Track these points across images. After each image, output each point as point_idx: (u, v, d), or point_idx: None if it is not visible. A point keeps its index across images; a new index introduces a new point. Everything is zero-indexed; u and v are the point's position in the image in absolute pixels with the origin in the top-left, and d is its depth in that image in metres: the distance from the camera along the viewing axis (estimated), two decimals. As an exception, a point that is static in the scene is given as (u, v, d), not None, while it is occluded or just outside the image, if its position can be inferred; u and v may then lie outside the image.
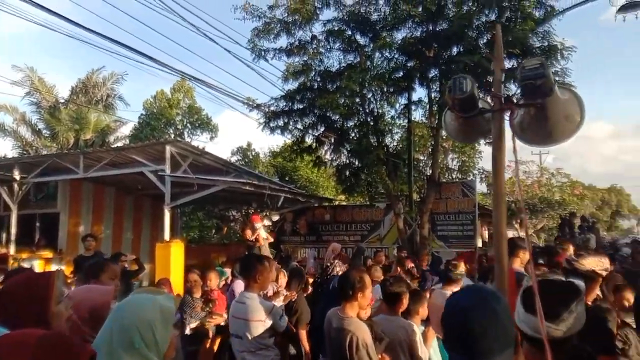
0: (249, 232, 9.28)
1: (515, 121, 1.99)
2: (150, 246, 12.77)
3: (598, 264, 3.24)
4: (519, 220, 19.49)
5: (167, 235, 9.82)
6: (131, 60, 27.77)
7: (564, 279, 1.76)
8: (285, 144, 21.71)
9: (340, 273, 6.00)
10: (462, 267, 4.70)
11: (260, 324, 3.50)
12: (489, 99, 2.10)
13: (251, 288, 3.64)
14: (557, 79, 9.64)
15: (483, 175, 18.71)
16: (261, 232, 9.05)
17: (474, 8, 10.13)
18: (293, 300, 4.93)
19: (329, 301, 3.79)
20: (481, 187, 19.29)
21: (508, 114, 1.97)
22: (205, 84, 11.73)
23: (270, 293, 4.76)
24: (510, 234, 25.17)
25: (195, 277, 5.62)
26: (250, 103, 12.67)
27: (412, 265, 7.21)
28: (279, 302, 4.51)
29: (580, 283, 1.64)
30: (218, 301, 5.51)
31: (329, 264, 6.50)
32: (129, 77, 62.88)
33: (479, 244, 14.30)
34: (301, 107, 12.38)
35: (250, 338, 3.48)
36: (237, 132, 60.88)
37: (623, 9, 9.93)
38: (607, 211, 41.47)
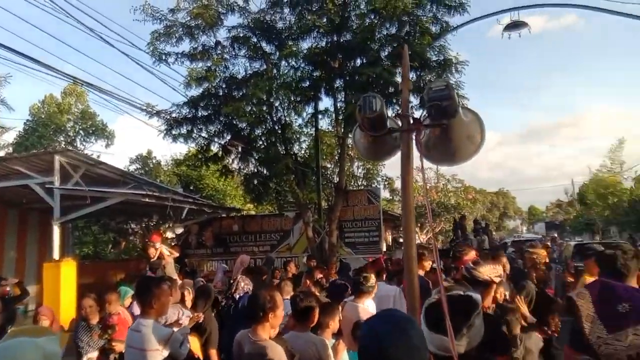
0: (152, 251, 8.74)
1: (422, 141, 2.01)
2: (38, 266, 11.66)
3: (493, 271, 3.41)
4: (419, 225, 20.50)
5: (56, 253, 8.97)
6: (14, 63, 25.13)
7: (462, 292, 1.78)
8: (189, 152, 20.88)
9: (245, 288, 5.80)
10: (373, 279, 4.73)
11: (157, 353, 3.21)
12: (398, 121, 2.09)
13: (147, 314, 3.33)
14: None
15: (386, 182, 19.44)
16: (164, 250, 8.54)
17: (376, 21, 10.47)
18: (200, 321, 4.66)
19: (237, 321, 3.62)
20: (384, 193, 20.04)
21: (415, 133, 1.97)
22: (99, 89, 10.88)
23: (174, 318, 4.43)
24: (413, 237, 26.43)
25: (90, 302, 5.07)
26: (150, 110, 11.99)
27: (321, 275, 7.19)
28: (183, 326, 4.21)
29: (476, 296, 1.68)
30: (119, 326, 5.03)
31: (233, 280, 6.24)
32: (14, 80, 57.16)
33: (384, 248, 14.80)
34: (206, 114, 11.98)
35: (145, 369, 3.20)
36: (136, 139, 57.85)
37: (508, 28, 10.83)
38: (495, 213, 45.21)
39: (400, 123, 2.05)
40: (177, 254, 9.70)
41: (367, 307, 4.77)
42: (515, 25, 10.77)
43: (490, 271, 3.35)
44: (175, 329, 3.73)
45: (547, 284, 4.93)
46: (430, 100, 1.89)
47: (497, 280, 3.30)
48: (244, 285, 5.96)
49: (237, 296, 5.80)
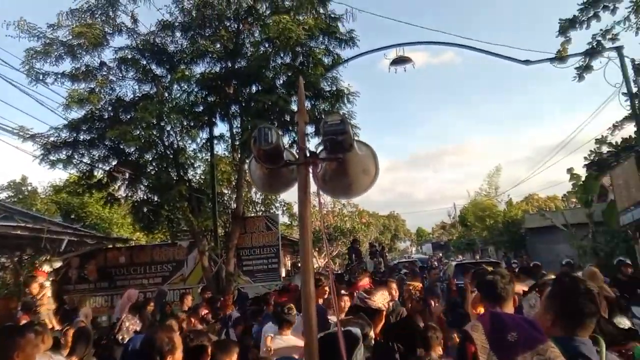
0: (35, 287, 7.83)
1: (319, 174, 1.99)
2: None
3: (384, 297, 3.52)
4: (317, 249, 20.75)
5: None
6: None
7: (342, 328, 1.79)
8: (70, 177, 19.17)
9: (131, 329, 5.34)
10: (294, 309, 4.62)
11: None
12: (294, 151, 2.06)
13: None
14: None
15: (284, 208, 19.42)
16: (48, 292, 7.70)
17: (270, 50, 10.58)
18: None
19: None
20: (283, 218, 20.02)
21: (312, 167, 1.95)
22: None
23: None
24: (310, 261, 26.64)
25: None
26: (24, 133, 10.86)
27: (207, 311, 6.81)
28: None
29: (356, 331, 1.70)
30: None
31: (117, 319, 5.73)
32: None
33: (283, 274, 14.69)
34: (89, 138, 11.15)
35: None
36: (9, 164, 51.85)
37: (394, 62, 11.55)
38: (387, 235, 47.36)
39: (297, 155, 2.01)
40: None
41: (293, 338, 4.67)
42: (400, 61, 11.53)
43: (382, 299, 3.44)
44: None
45: (422, 312, 5.20)
46: (326, 134, 1.89)
47: (387, 306, 3.39)
48: (130, 325, 5.48)
49: (121, 337, 5.32)
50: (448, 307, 7.66)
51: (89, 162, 11.73)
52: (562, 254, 16.57)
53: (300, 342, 4.57)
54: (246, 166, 13.17)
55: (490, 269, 3.71)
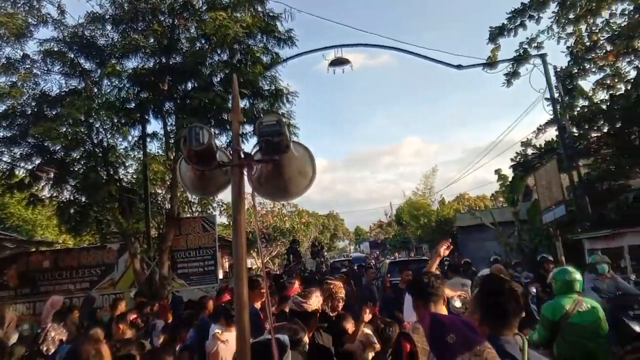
0: None
1: (254, 176, 1.93)
2: None
3: (319, 300, 3.53)
4: (255, 250, 20.50)
5: None
6: None
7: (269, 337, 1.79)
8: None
9: (56, 339, 5.02)
10: None
11: None
12: (227, 152, 1.99)
13: None
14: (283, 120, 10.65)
15: (222, 208, 19.06)
16: None
17: (207, 46, 10.33)
18: None
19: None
20: (221, 219, 19.63)
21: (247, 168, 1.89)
22: None
23: None
24: (249, 262, 26.38)
25: None
26: None
27: (135, 316, 6.52)
28: None
29: (285, 338, 1.69)
30: None
31: (41, 329, 5.36)
32: None
33: (220, 276, 14.40)
34: (9, 134, 10.41)
35: None
36: None
37: (332, 63, 11.66)
38: (327, 234, 47.76)
39: (231, 156, 1.94)
40: None
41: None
42: (339, 62, 11.67)
43: (316, 302, 3.45)
44: None
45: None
46: (261, 135, 1.85)
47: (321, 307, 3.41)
48: (55, 335, 5.13)
49: (45, 349, 4.96)
50: (383, 304, 7.83)
51: (9, 160, 10.95)
52: (491, 251, 17.46)
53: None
54: (182, 165, 12.79)
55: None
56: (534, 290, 8.74)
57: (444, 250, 3.90)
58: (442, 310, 3.06)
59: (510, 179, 18.26)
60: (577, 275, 4.52)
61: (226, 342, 4.68)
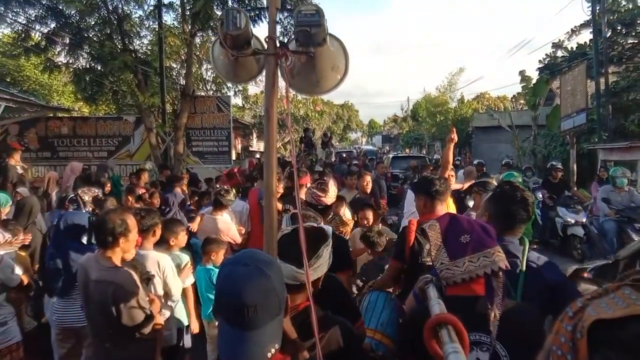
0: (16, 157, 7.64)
1: (288, 67, 1.86)
2: None
3: (334, 193, 3.61)
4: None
5: None
6: None
7: (315, 224, 1.84)
8: (3, 37, 17.41)
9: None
10: (232, 193, 4.71)
11: None
12: (262, 40, 1.89)
13: None
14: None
15: (237, 89, 18.85)
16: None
17: None
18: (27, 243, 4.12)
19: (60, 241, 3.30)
20: (235, 100, 19.52)
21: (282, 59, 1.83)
22: None
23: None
24: (258, 146, 26.65)
25: None
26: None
27: (144, 190, 6.72)
28: (9, 250, 3.63)
29: (328, 228, 1.74)
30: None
31: (66, 189, 5.59)
32: None
33: (233, 157, 14.66)
34: (23, -6, 10.00)
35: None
36: None
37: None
38: (340, 125, 47.60)
39: (265, 45, 1.86)
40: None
41: (225, 219, 4.81)
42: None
43: (333, 194, 3.52)
44: (2, 252, 3.25)
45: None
46: (298, 25, 1.75)
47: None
48: (88, 199, 5.37)
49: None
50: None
51: (24, 21, 10.64)
52: (504, 153, 17.40)
53: (228, 224, 4.79)
54: (197, 40, 12.37)
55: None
56: (540, 195, 8.88)
57: (453, 135, 4.29)
58: (446, 209, 3.16)
59: (534, 81, 17.61)
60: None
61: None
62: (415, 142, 39.34)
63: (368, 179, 6.28)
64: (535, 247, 4.93)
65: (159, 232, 3.45)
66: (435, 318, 1.32)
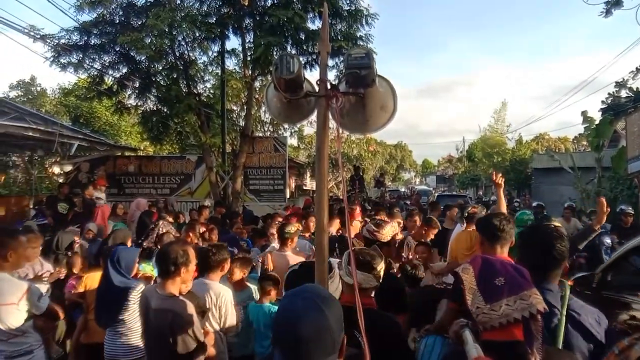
0: (91, 191, 8.30)
1: (338, 108, 1.95)
2: None
3: (393, 230, 3.58)
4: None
5: None
6: None
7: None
8: (79, 81, 18.93)
9: (164, 233, 5.45)
10: (296, 226, 4.77)
11: (12, 307, 2.96)
12: (314, 83, 2.01)
13: (0, 268, 3.04)
14: (361, 43, 10.29)
15: (293, 130, 19.34)
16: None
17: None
18: (62, 277, 4.39)
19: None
20: (291, 141, 20.01)
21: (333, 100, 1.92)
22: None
23: (30, 275, 4.03)
24: (310, 185, 26.89)
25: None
26: (34, 33, 10.57)
27: (204, 229, 6.87)
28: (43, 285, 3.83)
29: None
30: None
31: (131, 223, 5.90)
32: None
33: (287, 195, 14.91)
34: (99, 42, 10.91)
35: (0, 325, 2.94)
36: (17, 63, 51.09)
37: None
38: (393, 165, 47.37)
39: (317, 87, 1.97)
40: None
41: (293, 255, 4.84)
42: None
43: (391, 231, 3.50)
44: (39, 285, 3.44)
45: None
46: (349, 68, 1.84)
47: (397, 237, 3.45)
48: (164, 231, 5.67)
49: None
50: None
51: (99, 67, 11.57)
52: (566, 196, 16.65)
53: (295, 259, 4.78)
54: (257, 83, 12.91)
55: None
56: (609, 241, 8.36)
57: (499, 178, 4.15)
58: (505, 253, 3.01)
59: (597, 122, 16.90)
60: None
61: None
62: (471, 183, 38.37)
63: (416, 218, 6.35)
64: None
65: (227, 266, 3.61)
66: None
